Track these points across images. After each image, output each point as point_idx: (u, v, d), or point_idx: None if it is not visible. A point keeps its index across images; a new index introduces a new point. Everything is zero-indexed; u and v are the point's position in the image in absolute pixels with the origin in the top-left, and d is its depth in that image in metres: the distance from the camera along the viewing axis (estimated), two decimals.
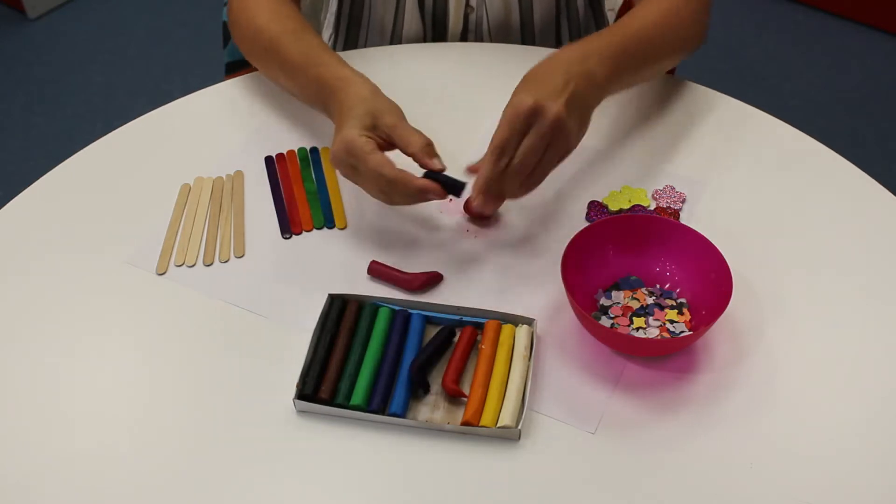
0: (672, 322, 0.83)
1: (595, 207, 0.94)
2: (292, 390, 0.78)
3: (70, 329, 0.85)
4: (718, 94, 1.07)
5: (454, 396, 0.79)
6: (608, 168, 0.99)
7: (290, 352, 0.81)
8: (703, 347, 0.82)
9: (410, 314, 0.84)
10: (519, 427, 0.76)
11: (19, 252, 0.91)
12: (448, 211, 0.94)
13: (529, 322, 0.83)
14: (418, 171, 0.87)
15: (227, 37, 1.27)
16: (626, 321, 0.83)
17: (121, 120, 1.05)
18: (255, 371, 0.81)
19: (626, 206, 0.94)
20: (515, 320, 0.83)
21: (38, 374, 0.81)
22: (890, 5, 2.38)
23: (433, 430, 0.77)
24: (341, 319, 0.83)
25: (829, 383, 0.80)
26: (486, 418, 0.76)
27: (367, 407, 0.78)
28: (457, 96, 1.07)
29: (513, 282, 0.88)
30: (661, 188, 0.96)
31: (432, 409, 0.78)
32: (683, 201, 0.95)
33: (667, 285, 0.86)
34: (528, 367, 0.80)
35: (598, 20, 1.28)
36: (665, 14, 0.98)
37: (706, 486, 0.74)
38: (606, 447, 0.76)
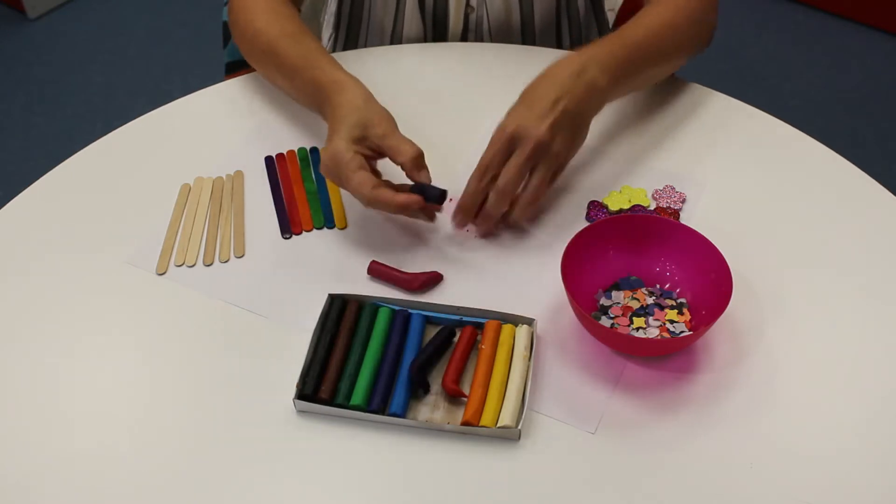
0: (672, 322, 0.83)
1: (595, 207, 0.94)
2: (292, 390, 0.78)
3: (70, 329, 0.85)
4: (719, 94, 1.07)
5: (454, 396, 0.79)
6: (608, 168, 0.99)
7: (290, 352, 0.81)
8: (703, 347, 0.82)
9: (410, 314, 0.84)
10: (519, 427, 0.76)
11: (19, 252, 0.91)
12: (448, 211, 0.94)
13: (529, 322, 0.83)
14: (404, 177, 0.88)
15: (227, 37, 1.27)
16: (626, 321, 0.83)
17: (121, 120, 1.05)
18: (255, 371, 0.81)
19: (626, 206, 0.94)
20: (515, 320, 0.83)
21: (38, 374, 0.81)
22: (890, 5, 2.38)
23: (433, 430, 0.77)
24: (341, 319, 0.83)
25: (829, 383, 0.80)
26: (486, 418, 0.76)
27: (367, 407, 0.78)
28: (457, 96, 1.07)
29: (513, 282, 0.88)
30: (661, 188, 0.96)
31: (432, 409, 0.78)
32: (683, 201, 0.95)
33: (667, 285, 0.86)
34: (528, 367, 0.80)
35: (598, 20, 1.28)
36: (672, 16, 0.99)
37: (706, 486, 0.74)
38: (606, 447, 0.76)
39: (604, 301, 0.85)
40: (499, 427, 0.76)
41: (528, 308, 0.84)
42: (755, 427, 0.77)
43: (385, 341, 0.82)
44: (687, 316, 0.83)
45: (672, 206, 0.94)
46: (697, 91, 1.07)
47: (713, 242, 0.83)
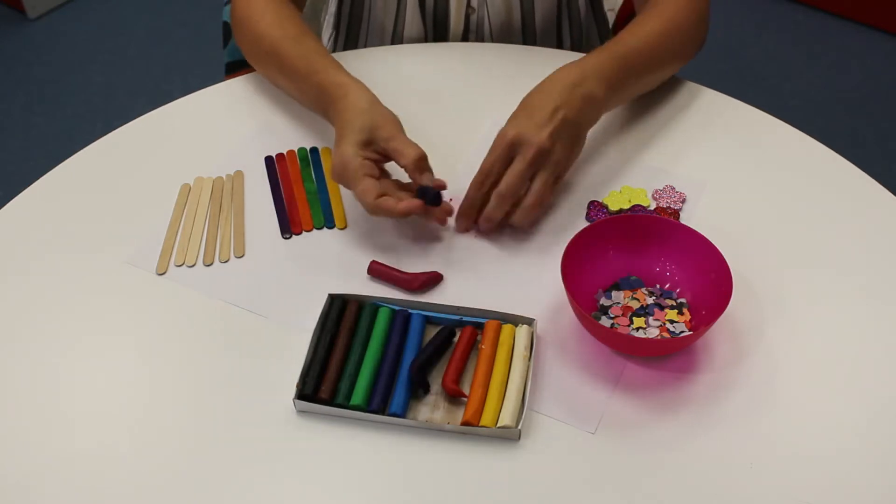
0: (672, 322, 0.83)
1: (595, 207, 0.94)
2: (292, 390, 0.78)
3: (70, 329, 0.85)
4: (718, 94, 1.07)
5: (454, 396, 0.79)
6: (608, 168, 0.99)
7: (290, 352, 0.81)
8: (703, 347, 0.82)
9: (410, 314, 0.84)
10: (519, 427, 0.76)
11: (19, 252, 0.91)
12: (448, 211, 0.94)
13: (529, 322, 0.83)
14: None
15: (227, 37, 1.27)
16: (626, 321, 0.83)
17: (121, 120, 1.05)
18: (255, 371, 0.81)
19: (626, 206, 0.94)
20: (515, 320, 0.83)
21: (38, 374, 0.81)
22: (890, 5, 2.38)
23: (433, 430, 0.77)
24: (341, 319, 0.83)
25: (829, 383, 0.80)
26: (486, 418, 0.76)
27: (367, 407, 0.78)
28: (457, 96, 1.07)
29: (513, 282, 0.88)
30: (661, 188, 0.96)
31: (432, 409, 0.78)
32: (683, 201, 0.95)
33: (667, 285, 0.86)
34: (528, 367, 0.80)
35: (598, 20, 1.28)
36: (666, 24, 1.00)
37: (706, 486, 0.74)
38: (606, 447, 0.76)
39: (604, 301, 0.85)
40: (499, 427, 0.76)
41: (528, 308, 0.84)
42: (755, 427, 0.77)
43: (385, 341, 0.82)
44: (687, 316, 0.83)
45: (672, 206, 0.94)
46: (697, 91, 1.07)
47: (713, 242, 0.83)
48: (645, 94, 1.05)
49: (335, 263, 0.90)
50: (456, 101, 1.06)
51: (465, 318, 0.84)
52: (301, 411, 0.78)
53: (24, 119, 2.24)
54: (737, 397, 0.79)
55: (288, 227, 0.93)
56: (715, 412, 0.78)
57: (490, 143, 0.89)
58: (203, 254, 0.91)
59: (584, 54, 0.96)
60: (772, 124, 1.04)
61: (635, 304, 0.84)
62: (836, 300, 0.86)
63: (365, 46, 1.22)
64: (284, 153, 1.01)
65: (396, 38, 1.19)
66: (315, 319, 0.82)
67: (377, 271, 0.88)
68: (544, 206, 0.92)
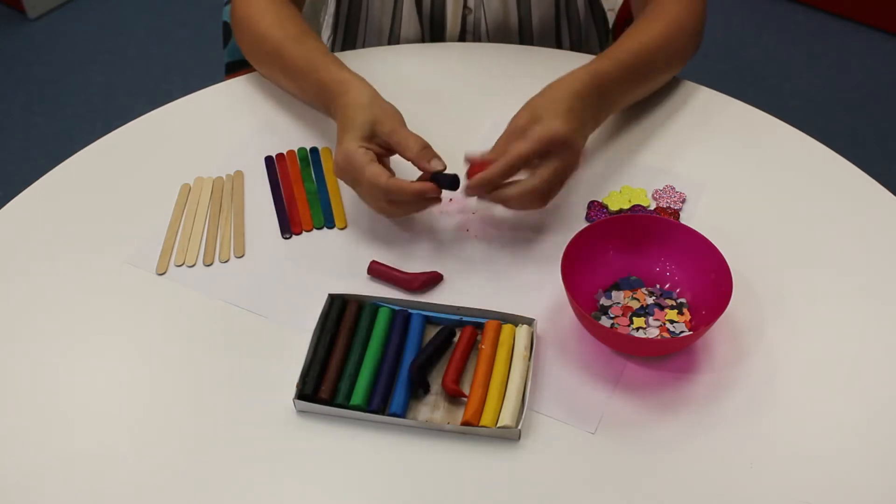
0: (672, 322, 0.83)
1: (595, 207, 0.94)
2: (292, 390, 0.78)
3: (70, 329, 0.85)
4: (718, 94, 1.07)
5: (454, 396, 0.79)
6: (608, 168, 0.99)
7: (290, 352, 0.81)
8: (703, 347, 0.82)
9: (410, 314, 0.84)
10: (519, 427, 0.76)
11: (19, 252, 0.91)
12: (448, 211, 0.94)
13: (529, 322, 0.83)
14: (416, 176, 0.89)
15: (227, 37, 1.27)
16: (626, 321, 0.83)
17: (121, 120, 1.05)
18: (255, 371, 0.81)
19: (626, 206, 0.94)
20: (515, 320, 0.83)
21: (38, 374, 0.81)
22: (890, 5, 2.38)
23: (433, 430, 0.77)
24: (341, 319, 0.83)
25: (829, 383, 0.80)
26: (486, 418, 0.76)
27: (367, 407, 0.78)
28: (456, 96, 1.07)
29: (513, 282, 0.88)
30: (661, 188, 0.96)
31: (432, 409, 0.78)
32: (683, 201, 0.95)
33: (667, 285, 0.86)
34: (528, 367, 0.80)
35: (597, 21, 1.28)
36: (668, 29, 1.00)
37: (706, 486, 0.74)
38: (606, 447, 0.76)
39: (604, 301, 0.85)
40: (499, 427, 0.76)
41: (528, 308, 0.84)
42: (755, 427, 0.77)
43: (385, 341, 0.82)
44: (687, 316, 0.83)
45: (672, 206, 0.94)
46: (697, 91, 1.07)
47: (713, 242, 0.83)
48: None
49: (335, 263, 0.90)
50: (455, 102, 1.06)
51: (465, 318, 0.84)
52: (301, 411, 0.78)
53: (24, 119, 2.24)
54: (737, 397, 0.79)
55: (288, 227, 0.93)
56: (715, 412, 0.78)
57: (490, 143, 0.89)
58: (203, 254, 0.91)
59: (584, 54, 0.96)
60: (772, 124, 1.04)
61: (635, 304, 0.84)
62: (836, 300, 0.86)
63: (363, 47, 1.22)
64: (284, 153, 1.01)
65: (393, 39, 1.18)
66: (315, 319, 0.82)
67: (377, 271, 0.88)
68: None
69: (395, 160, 0.90)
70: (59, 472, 0.75)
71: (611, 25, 1.33)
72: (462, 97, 1.07)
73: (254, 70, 1.09)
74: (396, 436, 0.77)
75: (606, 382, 0.80)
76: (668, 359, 0.82)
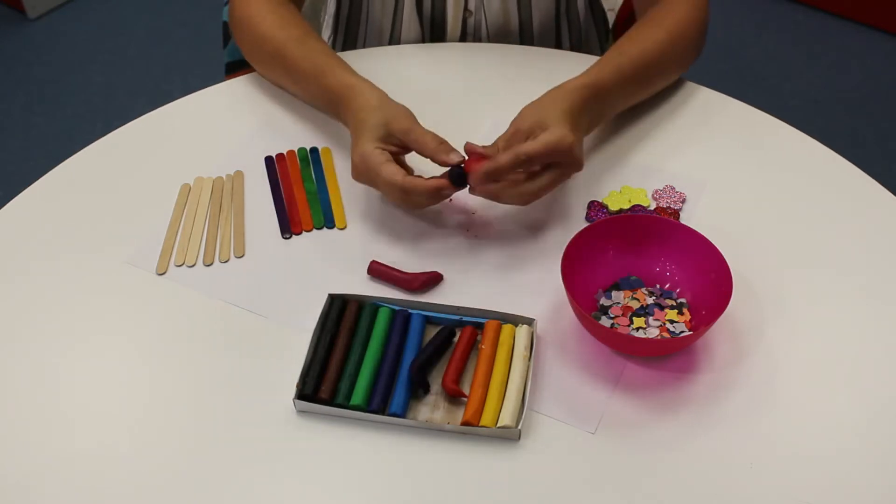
0: (672, 322, 0.83)
1: (595, 207, 0.94)
2: (292, 390, 0.78)
3: (70, 329, 0.85)
4: (718, 94, 1.07)
5: (454, 396, 0.79)
6: (608, 168, 0.99)
7: (290, 352, 0.81)
8: (703, 347, 0.82)
9: (410, 314, 0.84)
10: (519, 427, 0.76)
11: (19, 252, 0.91)
12: (448, 211, 0.94)
13: (529, 322, 0.83)
14: (432, 169, 0.89)
15: (227, 37, 1.27)
16: (626, 321, 0.83)
17: (121, 120, 1.05)
18: (255, 371, 0.81)
19: (626, 206, 0.94)
20: (515, 320, 0.83)
21: (38, 374, 0.81)
22: (890, 5, 2.38)
23: (433, 430, 0.77)
24: (341, 319, 0.83)
25: (829, 383, 0.80)
26: (486, 418, 0.76)
27: (367, 407, 0.78)
28: (457, 97, 1.07)
29: (513, 281, 0.88)
30: (661, 188, 0.96)
31: (432, 409, 0.78)
32: (683, 201, 0.95)
33: (667, 285, 0.86)
34: (528, 367, 0.80)
35: (597, 22, 1.28)
36: (670, 33, 1.01)
37: (706, 486, 0.74)
38: (606, 447, 0.76)
39: (604, 301, 0.85)
40: (499, 427, 0.76)
41: (528, 308, 0.84)
42: (755, 427, 0.77)
43: (385, 341, 0.82)
44: (687, 316, 0.83)
45: (672, 206, 0.94)
46: (697, 91, 1.07)
47: (713, 242, 0.83)
48: None
49: (335, 263, 0.90)
50: (455, 102, 1.06)
51: (465, 318, 0.84)
52: (301, 411, 0.78)
53: (24, 119, 2.24)
54: (737, 397, 0.79)
55: (288, 227, 0.93)
56: (715, 412, 0.78)
57: (489, 143, 0.89)
58: (203, 254, 0.91)
59: (584, 55, 0.96)
60: (772, 124, 1.04)
61: (635, 304, 0.84)
62: (836, 300, 0.86)
63: (364, 48, 1.22)
64: (284, 153, 1.01)
65: (394, 41, 1.18)
66: (315, 319, 0.82)
67: (377, 271, 0.88)
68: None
69: (410, 156, 0.91)
70: (59, 472, 0.75)
71: (611, 25, 1.33)
72: (462, 97, 1.07)
73: (254, 70, 1.08)
74: (396, 436, 0.77)
75: (606, 382, 0.80)
76: (668, 359, 0.82)
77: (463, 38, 1.17)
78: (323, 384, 0.79)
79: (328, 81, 0.95)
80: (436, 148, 0.87)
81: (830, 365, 0.81)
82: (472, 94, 1.07)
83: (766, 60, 2.38)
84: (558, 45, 1.22)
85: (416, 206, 0.90)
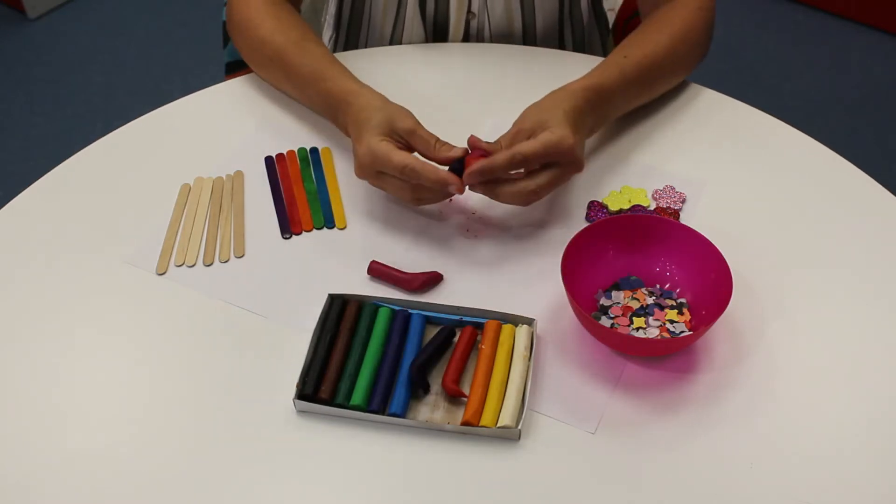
0: (672, 322, 0.83)
1: (595, 207, 0.94)
2: (292, 390, 0.78)
3: (70, 329, 0.85)
4: (718, 94, 1.07)
5: (454, 396, 0.79)
6: (608, 168, 0.99)
7: (290, 352, 0.81)
8: (703, 347, 0.82)
9: (410, 314, 0.84)
10: (519, 427, 0.76)
11: (19, 252, 0.91)
12: (448, 211, 0.94)
13: (529, 322, 0.83)
14: None
15: (227, 37, 1.27)
16: (626, 321, 0.83)
17: (121, 120, 1.05)
18: (255, 371, 0.81)
19: (626, 206, 0.94)
20: (515, 320, 0.83)
21: (37, 374, 0.81)
22: (890, 5, 2.38)
23: (433, 430, 0.77)
24: (341, 319, 0.83)
25: (829, 383, 0.80)
26: (486, 418, 0.76)
27: (367, 407, 0.78)
28: (458, 97, 1.07)
29: (513, 282, 0.88)
30: (661, 188, 0.96)
31: (432, 409, 0.78)
32: (683, 201, 0.95)
33: (667, 285, 0.86)
34: (528, 367, 0.80)
35: (599, 22, 1.28)
36: (676, 37, 1.00)
37: (706, 486, 0.74)
38: (606, 447, 0.76)
39: (604, 301, 0.85)
40: (499, 427, 0.76)
41: (528, 308, 0.84)
42: (755, 427, 0.77)
43: (385, 341, 0.82)
44: (687, 316, 0.83)
45: (672, 206, 0.94)
46: (697, 91, 1.07)
47: (713, 242, 0.83)
48: None
49: (335, 263, 0.90)
50: (456, 102, 1.06)
51: (465, 318, 0.84)
52: (301, 411, 0.78)
53: (24, 119, 2.24)
54: (737, 397, 0.79)
55: (288, 227, 0.93)
56: (715, 412, 0.78)
57: (491, 140, 0.89)
58: (203, 254, 0.91)
59: (587, 56, 0.96)
60: (772, 124, 1.04)
61: (635, 304, 0.84)
62: (836, 300, 0.86)
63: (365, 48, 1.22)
64: (284, 153, 1.01)
65: (395, 42, 1.18)
66: (315, 319, 0.82)
67: (377, 271, 0.88)
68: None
69: None
70: (58, 472, 0.75)
71: (611, 25, 1.33)
72: (463, 98, 1.07)
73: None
74: (396, 436, 0.77)
75: (606, 382, 0.80)
76: (668, 359, 0.82)
77: (465, 40, 1.17)
78: (323, 384, 0.79)
79: (328, 86, 0.95)
80: (438, 147, 0.88)
81: (830, 365, 0.81)
82: (473, 95, 1.07)
83: (766, 61, 2.38)
84: (561, 46, 1.21)
85: (420, 200, 0.89)
